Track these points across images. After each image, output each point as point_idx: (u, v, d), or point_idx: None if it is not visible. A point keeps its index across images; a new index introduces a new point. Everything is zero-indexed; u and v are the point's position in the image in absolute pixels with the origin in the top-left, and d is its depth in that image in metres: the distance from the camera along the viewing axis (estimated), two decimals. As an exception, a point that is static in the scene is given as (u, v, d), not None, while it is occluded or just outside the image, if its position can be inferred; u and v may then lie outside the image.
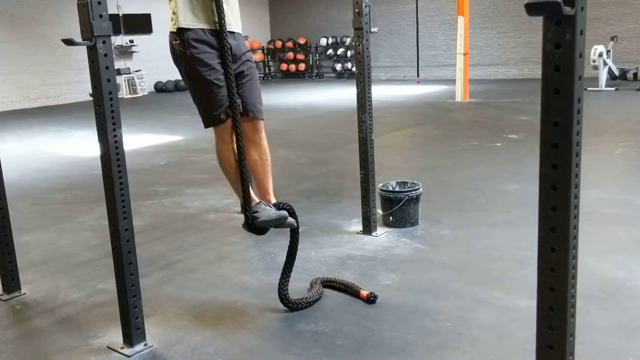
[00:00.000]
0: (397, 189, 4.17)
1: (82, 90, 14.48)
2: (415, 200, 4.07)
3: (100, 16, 2.32)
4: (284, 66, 19.61)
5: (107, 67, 2.38)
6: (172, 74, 16.03)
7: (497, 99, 11.17)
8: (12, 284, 3.25)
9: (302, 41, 19.17)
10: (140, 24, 16.35)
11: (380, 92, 13.13)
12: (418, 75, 14.71)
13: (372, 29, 3.70)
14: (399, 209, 4.02)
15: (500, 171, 5.55)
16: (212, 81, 2.74)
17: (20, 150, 8.20)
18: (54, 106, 14.23)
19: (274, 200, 2.96)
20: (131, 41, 16.36)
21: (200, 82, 2.76)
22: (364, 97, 3.74)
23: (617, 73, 11.61)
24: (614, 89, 11.15)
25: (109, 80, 2.39)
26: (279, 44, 19.66)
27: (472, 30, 13.72)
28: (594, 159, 5.87)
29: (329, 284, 3.13)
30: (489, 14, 15.59)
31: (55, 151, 8.03)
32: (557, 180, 1.37)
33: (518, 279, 3.14)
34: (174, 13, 2.75)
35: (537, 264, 1.45)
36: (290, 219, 2.89)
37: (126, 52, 16.42)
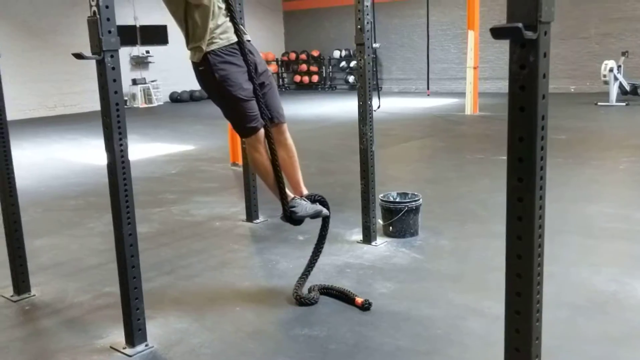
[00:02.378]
0: (397, 200, 4.26)
1: (98, 99, 14.74)
2: (415, 211, 4.16)
3: (109, 32, 2.46)
4: (297, 78, 19.81)
5: (114, 80, 2.51)
6: (187, 84, 16.26)
7: (506, 112, 11.19)
8: (23, 286, 3.39)
9: (315, 53, 19.36)
10: (157, 35, 16.62)
11: (391, 105, 13.24)
12: (428, 88, 14.83)
13: (374, 45, 3.81)
14: (399, 219, 4.11)
15: (503, 184, 5.54)
16: (243, 97, 2.96)
17: (37, 158, 8.40)
18: (70, 114, 14.49)
19: (305, 192, 3.27)
20: (147, 52, 16.64)
21: (232, 100, 2.97)
22: (364, 109, 3.85)
23: (628, 88, 11.61)
24: (624, 104, 11.16)
25: (116, 92, 2.53)
26: (293, 56, 19.87)
27: (483, 44, 13.79)
28: (598, 173, 5.93)
29: (325, 290, 3.23)
30: (501, 28, 15.65)
31: (71, 159, 8.22)
32: (523, 192, 1.46)
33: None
34: (191, 49, 2.96)
35: (505, 270, 1.54)
36: (325, 210, 3.23)
37: (142, 62, 16.69)
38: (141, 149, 8.41)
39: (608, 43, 14.24)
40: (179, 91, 17.05)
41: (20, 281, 3.38)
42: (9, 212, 3.32)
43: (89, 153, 8.55)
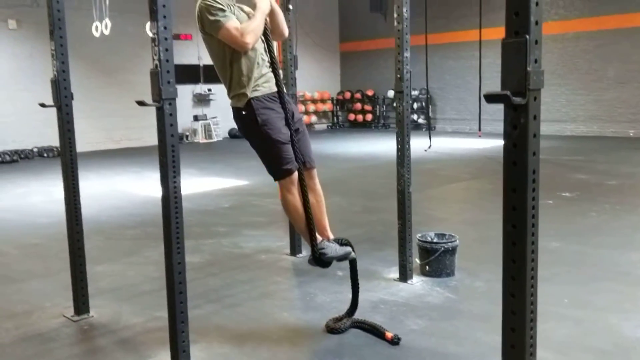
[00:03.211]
0: (434, 240, 4.41)
1: (160, 134, 15.51)
2: (452, 251, 4.30)
3: (168, 82, 2.78)
4: (351, 116, 20.20)
5: (171, 125, 2.83)
6: (244, 121, 16.85)
7: (559, 155, 11.15)
8: (82, 307, 3.72)
9: (370, 93, 19.74)
10: (218, 74, 17.37)
11: (442, 144, 13.36)
12: (480, 129, 14.88)
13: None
14: (435, 259, 4.26)
15: (545, 228, 5.60)
16: (281, 140, 3.21)
17: (101, 189, 8.94)
18: (134, 148, 15.26)
19: (331, 236, 3.43)
20: (209, 90, 17.39)
21: (271, 142, 3.21)
22: (402, 153, 4.07)
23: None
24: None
25: (172, 135, 2.84)
26: (347, 94, 20.31)
27: (538, 86, 13.79)
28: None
29: (358, 324, 3.41)
30: (557, 70, 15.60)
31: (132, 191, 8.72)
32: (516, 237, 1.64)
33: (538, 332, 3.30)
34: (234, 96, 3.25)
35: (502, 308, 1.71)
36: (352, 253, 3.39)
37: (204, 99, 17.45)
38: (198, 183, 8.85)
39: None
40: (237, 127, 17.67)
41: (81, 303, 3.71)
42: (74, 239, 3.68)
43: (149, 185, 9.04)
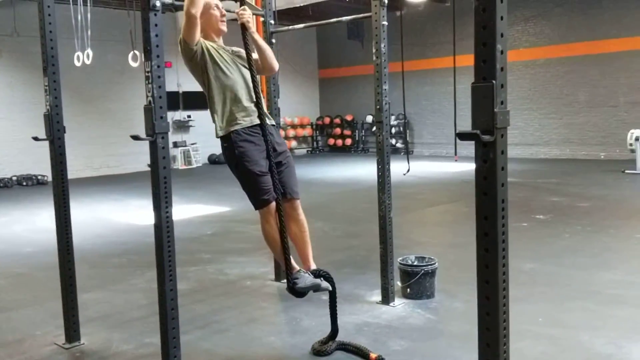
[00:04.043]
0: (415, 263, 4.58)
1: (141, 160, 15.54)
2: (431, 274, 4.47)
3: (161, 117, 2.94)
4: (331, 141, 20.47)
5: (163, 157, 2.97)
6: (224, 147, 16.98)
7: (533, 178, 11.47)
8: (74, 335, 3.79)
9: (349, 118, 20.06)
10: (198, 100, 17.50)
11: (420, 168, 13.62)
12: (456, 154, 15.22)
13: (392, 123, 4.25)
14: (416, 282, 4.42)
15: (521, 250, 5.86)
16: (257, 172, 3.35)
17: (83, 217, 8.95)
18: (114, 175, 15.29)
19: (313, 267, 3.51)
20: (189, 116, 17.53)
21: (248, 174, 3.36)
22: (383, 180, 4.25)
23: (655, 156, 11.76)
24: (652, 171, 11.30)
25: (164, 168, 2.98)
26: (327, 120, 20.61)
27: (513, 110, 14.17)
28: (613, 241, 6.13)
29: (343, 346, 3.54)
30: (530, 96, 16.07)
31: (114, 218, 8.77)
32: (488, 261, 1.81)
33: (513, 350, 3.46)
34: (217, 127, 3.44)
35: (478, 325, 1.87)
36: (325, 284, 3.44)
37: (184, 126, 17.57)
38: (180, 210, 8.92)
39: (637, 111, 14.46)
40: (217, 153, 17.80)
41: (72, 331, 3.79)
42: (65, 269, 3.78)
43: (130, 213, 9.11)
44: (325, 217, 8.01)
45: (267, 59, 3.59)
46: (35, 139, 3.69)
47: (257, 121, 3.41)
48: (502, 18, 1.72)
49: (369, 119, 19.40)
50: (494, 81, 1.71)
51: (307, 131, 20.61)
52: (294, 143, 20.14)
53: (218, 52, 3.45)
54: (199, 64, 3.43)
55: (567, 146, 15.69)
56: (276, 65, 3.69)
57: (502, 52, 1.73)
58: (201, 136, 17.53)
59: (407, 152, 15.04)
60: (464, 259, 5.66)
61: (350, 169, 14.91)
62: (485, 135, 1.72)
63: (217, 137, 3.50)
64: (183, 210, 8.98)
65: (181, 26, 3.34)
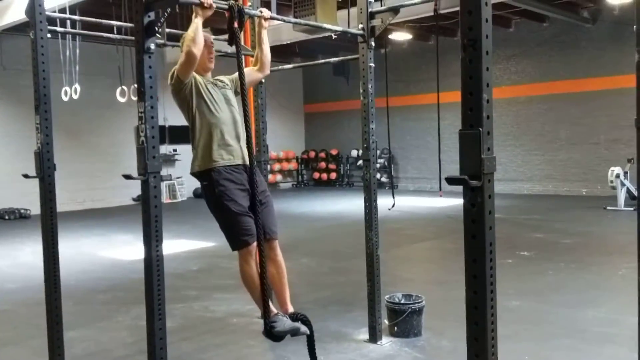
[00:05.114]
0: (402, 301, 4.60)
1: (126, 194, 15.48)
2: (418, 312, 4.49)
3: (154, 157, 2.98)
4: (316, 175, 20.57)
5: (155, 196, 3.00)
6: (210, 181, 16.98)
7: (516, 214, 11.60)
8: (58, 374, 3.75)
9: (334, 152, 20.23)
10: (184, 135, 17.47)
11: (405, 203, 13.70)
12: (440, 189, 15.37)
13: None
14: (403, 320, 4.43)
15: (506, 287, 5.90)
16: (238, 212, 3.31)
17: (67, 252, 8.82)
18: (98, 209, 15.17)
19: (291, 309, 3.45)
20: (175, 150, 17.56)
21: (229, 213, 3.32)
22: (370, 217, 4.30)
23: (635, 193, 11.97)
24: (632, 209, 11.47)
25: (156, 207, 3.01)
26: (312, 154, 20.76)
27: (497, 146, 14.22)
28: (597, 279, 6.22)
29: (331, 385, 3.53)
30: (513, 132, 16.34)
31: (99, 253, 8.69)
32: (477, 303, 1.86)
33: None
34: (196, 164, 3.42)
35: (467, 366, 1.90)
36: (303, 328, 3.38)
37: (169, 160, 17.56)
38: (166, 245, 8.82)
39: (617, 149, 14.74)
40: (203, 187, 17.78)
41: (57, 369, 3.74)
42: (52, 306, 3.75)
43: (115, 248, 9.03)
44: (310, 252, 8.01)
45: (265, 57, 3.67)
46: (26, 176, 3.71)
47: (240, 161, 3.39)
48: (487, 69, 1.80)
49: (354, 153, 19.55)
50: (480, 129, 1.78)
51: (293, 165, 20.72)
52: (279, 177, 20.20)
53: (206, 88, 3.45)
54: (186, 97, 3.42)
55: (550, 182, 15.91)
56: (268, 68, 3.74)
57: (487, 101, 1.81)
58: (187, 170, 17.24)
59: (392, 187, 15.18)
60: (450, 296, 5.69)
61: (335, 203, 14.96)
62: (473, 181, 1.78)
63: (192, 172, 3.47)
64: (169, 245, 8.87)
65: (177, 61, 3.35)
